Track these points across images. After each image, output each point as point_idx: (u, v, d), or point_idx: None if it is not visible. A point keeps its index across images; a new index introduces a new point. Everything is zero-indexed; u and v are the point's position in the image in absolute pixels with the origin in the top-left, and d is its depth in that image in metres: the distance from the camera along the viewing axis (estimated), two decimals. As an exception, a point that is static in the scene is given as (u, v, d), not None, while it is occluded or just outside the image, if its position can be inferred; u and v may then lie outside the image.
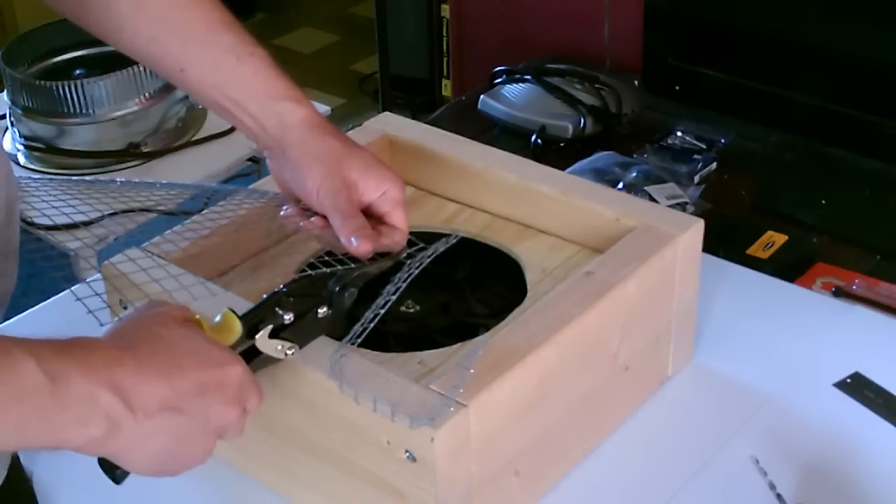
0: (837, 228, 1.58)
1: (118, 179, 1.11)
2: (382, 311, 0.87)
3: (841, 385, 1.07)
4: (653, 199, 1.58)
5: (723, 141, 1.77)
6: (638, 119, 1.89)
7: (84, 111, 1.85)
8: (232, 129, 1.96)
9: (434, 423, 0.80)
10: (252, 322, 0.82)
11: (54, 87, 1.83)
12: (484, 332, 0.97)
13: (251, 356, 0.81)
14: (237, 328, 0.80)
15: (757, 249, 1.51)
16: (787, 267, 1.45)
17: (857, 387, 1.07)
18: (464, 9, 2.35)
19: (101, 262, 1.03)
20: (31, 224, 1.73)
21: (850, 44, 1.67)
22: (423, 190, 1.18)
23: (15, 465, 0.90)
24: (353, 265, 0.91)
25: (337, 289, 0.87)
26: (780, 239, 1.53)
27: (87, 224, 1.72)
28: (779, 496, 0.95)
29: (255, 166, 1.90)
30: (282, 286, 0.85)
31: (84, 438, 0.68)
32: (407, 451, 0.82)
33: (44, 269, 1.77)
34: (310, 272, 0.90)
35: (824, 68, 1.71)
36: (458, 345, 0.95)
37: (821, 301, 1.28)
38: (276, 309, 0.83)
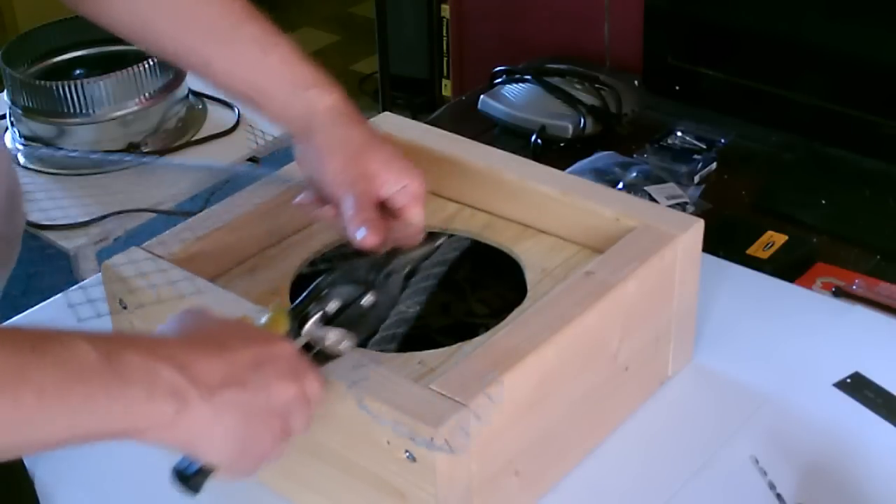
0: (837, 228, 1.58)
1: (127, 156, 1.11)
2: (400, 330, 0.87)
3: (841, 385, 1.07)
4: (653, 199, 1.57)
5: (723, 141, 1.77)
6: (638, 119, 1.89)
7: (84, 111, 1.84)
8: (232, 130, 1.96)
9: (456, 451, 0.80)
10: (299, 314, 0.81)
11: (54, 87, 1.83)
12: (484, 332, 0.97)
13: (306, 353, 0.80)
14: (285, 321, 0.79)
15: (757, 249, 1.51)
16: (787, 267, 1.45)
17: (857, 387, 1.07)
18: (464, 9, 2.35)
19: (101, 262, 1.03)
20: (32, 224, 1.73)
21: (851, 44, 1.67)
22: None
23: (15, 460, 0.90)
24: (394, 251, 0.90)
25: (382, 276, 0.86)
26: (780, 239, 1.53)
27: (86, 224, 1.72)
28: (779, 496, 0.95)
29: (254, 166, 1.90)
30: (323, 276, 0.84)
31: (154, 418, 0.66)
32: (407, 451, 0.82)
33: (44, 269, 1.77)
34: (348, 258, 0.89)
35: (824, 68, 1.71)
36: (458, 345, 0.95)
37: (821, 301, 1.28)
38: (321, 299, 0.82)
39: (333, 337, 0.81)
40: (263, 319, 0.80)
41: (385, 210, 0.93)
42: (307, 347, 0.80)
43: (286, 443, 0.75)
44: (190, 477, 0.74)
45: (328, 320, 0.82)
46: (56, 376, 0.62)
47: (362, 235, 0.89)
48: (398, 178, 0.93)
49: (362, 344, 0.86)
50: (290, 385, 0.73)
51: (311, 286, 0.84)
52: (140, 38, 0.98)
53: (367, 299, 0.85)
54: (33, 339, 0.63)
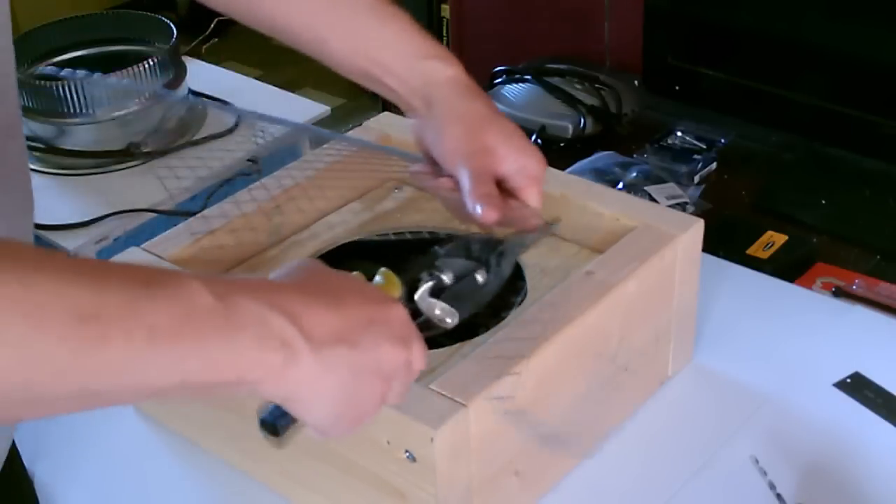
0: (837, 228, 1.58)
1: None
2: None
3: (841, 385, 1.07)
4: (653, 199, 1.57)
5: (723, 141, 1.77)
6: (638, 119, 1.89)
7: (84, 111, 1.85)
8: (232, 129, 1.96)
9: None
10: (411, 279, 0.78)
11: (54, 87, 1.83)
12: (484, 332, 0.97)
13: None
14: (397, 286, 0.76)
15: (757, 249, 1.51)
16: (787, 267, 1.45)
17: (857, 387, 1.07)
18: (464, 9, 2.35)
19: (101, 262, 1.03)
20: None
21: (851, 44, 1.67)
22: (424, 190, 1.18)
23: (15, 460, 0.90)
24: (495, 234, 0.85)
25: (495, 255, 0.83)
26: (780, 239, 1.53)
27: (86, 224, 1.72)
28: (779, 496, 0.95)
29: (254, 166, 1.90)
30: (437, 247, 0.82)
31: (261, 367, 0.63)
32: (407, 451, 0.82)
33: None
34: (462, 235, 0.85)
35: (824, 68, 1.71)
36: (458, 345, 0.95)
37: (821, 301, 1.28)
38: (433, 268, 0.79)
39: (441, 309, 0.78)
40: (376, 280, 0.77)
41: (501, 189, 0.91)
42: (413, 315, 0.76)
43: (381, 409, 0.71)
44: (280, 428, 0.70)
45: (436, 291, 0.79)
46: (169, 316, 0.59)
47: (480, 210, 0.87)
48: (517, 156, 0.91)
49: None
50: (399, 350, 0.70)
51: (426, 254, 0.81)
52: (247, 15, 0.95)
53: (479, 277, 0.81)
54: (146, 276, 0.60)
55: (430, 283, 0.79)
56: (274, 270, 0.71)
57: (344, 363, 0.66)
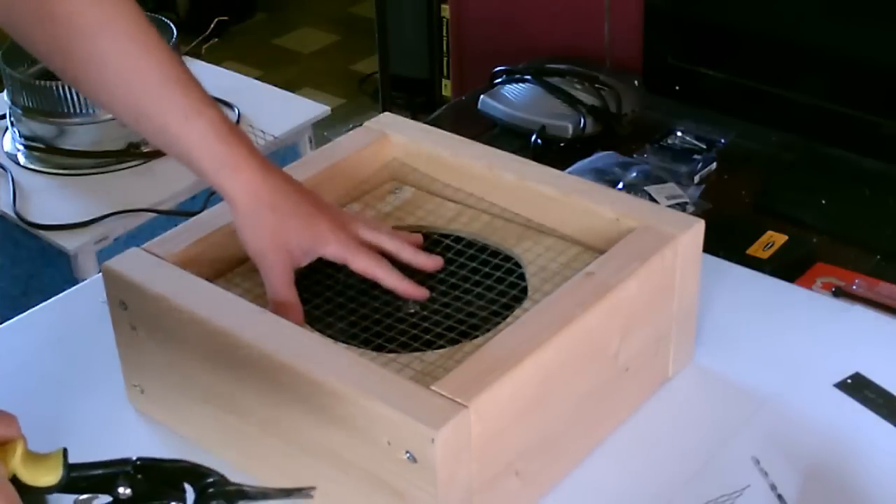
0: (837, 228, 1.58)
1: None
2: None
3: (841, 385, 1.07)
4: (653, 199, 1.57)
5: (723, 141, 1.77)
6: (638, 119, 1.89)
7: (84, 111, 1.85)
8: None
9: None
10: (78, 480, 0.71)
11: (54, 87, 1.83)
12: (484, 332, 0.97)
13: None
14: (58, 473, 0.70)
15: (757, 249, 1.51)
16: (787, 267, 1.45)
17: (858, 387, 1.07)
18: (464, 9, 2.35)
19: (101, 262, 1.03)
20: (31, 224, 1.73)
21: (850, 44, 1.67)
22: (423, 190, 1.18)
23: None
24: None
25: (204, 494, 0.74)
26: (780, 239, 1.53)
27: (86, 224, 1.72)
28: (779, 497, 0.95)
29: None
30: (135, 458, 0.73)
31: None
32: (407, 452, 0.82)
33: (44, 269, 1.77)
34: (189, 463, 0.75)
35: (824, 68, 1.71)
36: (458, 345, 0.95)
37: (821, 301, 1.28)
38: (117, 482, 0.72)
39: None
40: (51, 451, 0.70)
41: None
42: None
43: None
44: None
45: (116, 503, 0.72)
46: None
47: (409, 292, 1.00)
48: (314, 244, 1.00)
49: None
50: None
51: (118, 459, 0.73)
52: (72, 78, 0.98)
53: None
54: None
55: (102, 497, 0.72)
56: None
57: None
